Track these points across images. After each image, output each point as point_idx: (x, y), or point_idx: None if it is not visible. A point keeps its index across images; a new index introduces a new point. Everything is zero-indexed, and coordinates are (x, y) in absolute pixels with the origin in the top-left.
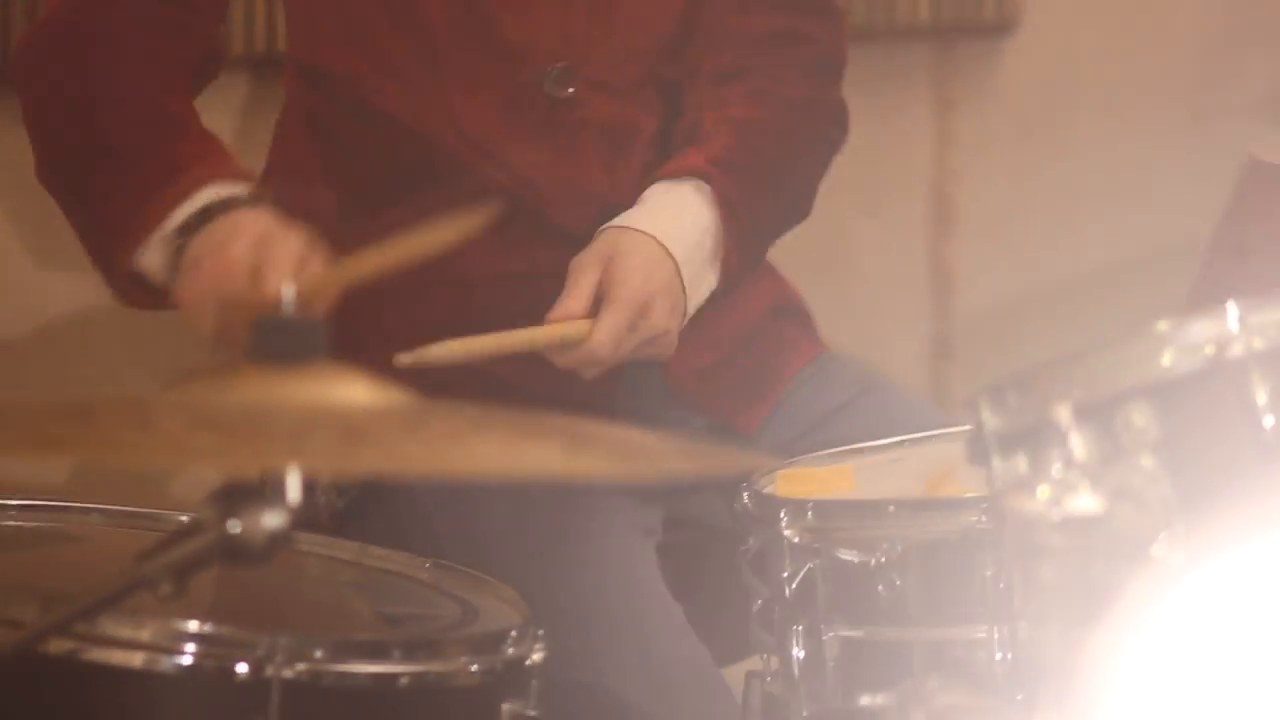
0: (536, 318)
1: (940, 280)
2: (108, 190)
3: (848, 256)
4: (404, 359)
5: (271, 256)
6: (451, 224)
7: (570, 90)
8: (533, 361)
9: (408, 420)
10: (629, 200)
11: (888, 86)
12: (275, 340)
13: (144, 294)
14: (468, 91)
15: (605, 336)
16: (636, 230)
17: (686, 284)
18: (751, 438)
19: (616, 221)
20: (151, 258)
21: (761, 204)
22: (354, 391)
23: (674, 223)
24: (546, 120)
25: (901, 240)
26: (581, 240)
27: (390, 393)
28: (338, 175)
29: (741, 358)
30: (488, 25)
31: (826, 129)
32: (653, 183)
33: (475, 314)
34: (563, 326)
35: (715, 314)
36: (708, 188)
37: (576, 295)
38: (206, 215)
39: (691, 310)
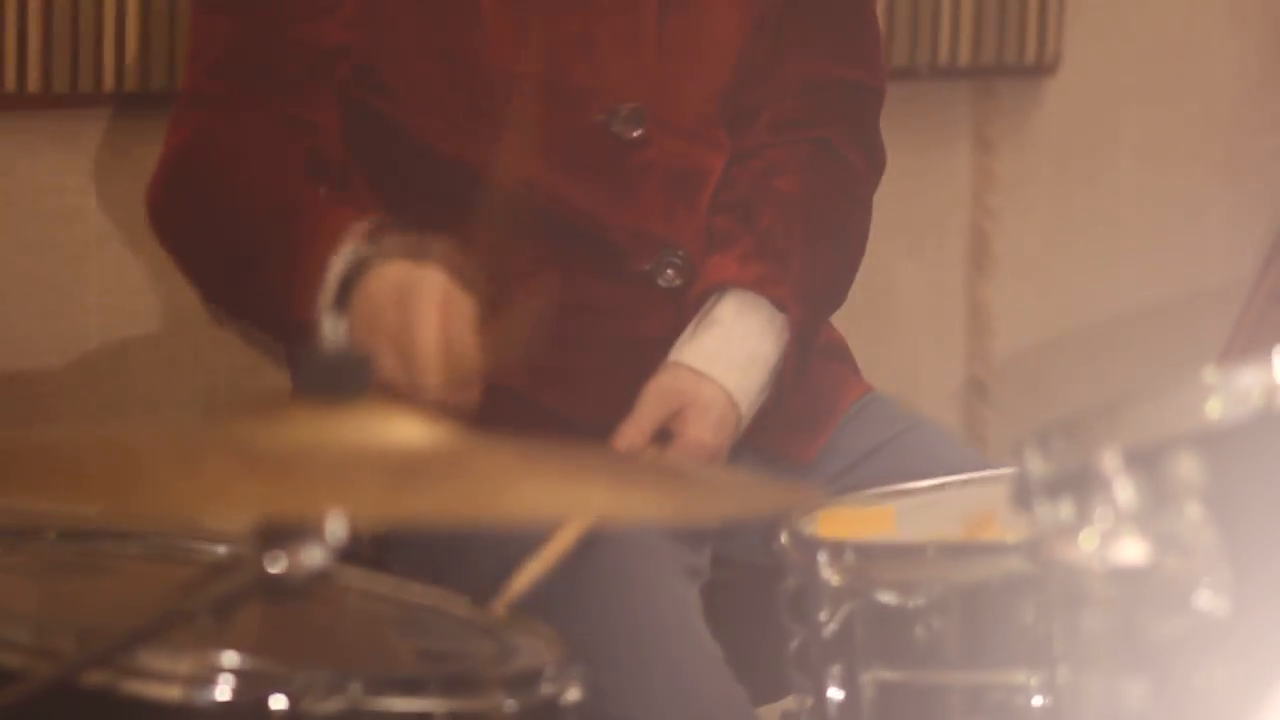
0: (588, 350)
1: (977, 320)
2: (265, 274)
3: (885, 295)
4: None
5: (417, 309)
6: None
7: (639, 132)
8: (585, 394)
9: (455, 460)
10: (687, 244)
11: (927, 126)
12: (321, 376)
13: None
14: (534, 129)
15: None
16: (711, 381)
17: (746, 415)
18: (806, 469)
19: (688, 358)
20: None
21: (823, 312)
22: (401, 429)
23: (748, 367)
24: (610, 163)
25: (939, 279)
26: (643, 279)
27: (438, 430)
28: (385, 204)
29: (795, 394)
30: (555, 68)
31: (872, 187)
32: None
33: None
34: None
35: None
36: (784, 320)
37: (641, 428)
38: (360, 268)
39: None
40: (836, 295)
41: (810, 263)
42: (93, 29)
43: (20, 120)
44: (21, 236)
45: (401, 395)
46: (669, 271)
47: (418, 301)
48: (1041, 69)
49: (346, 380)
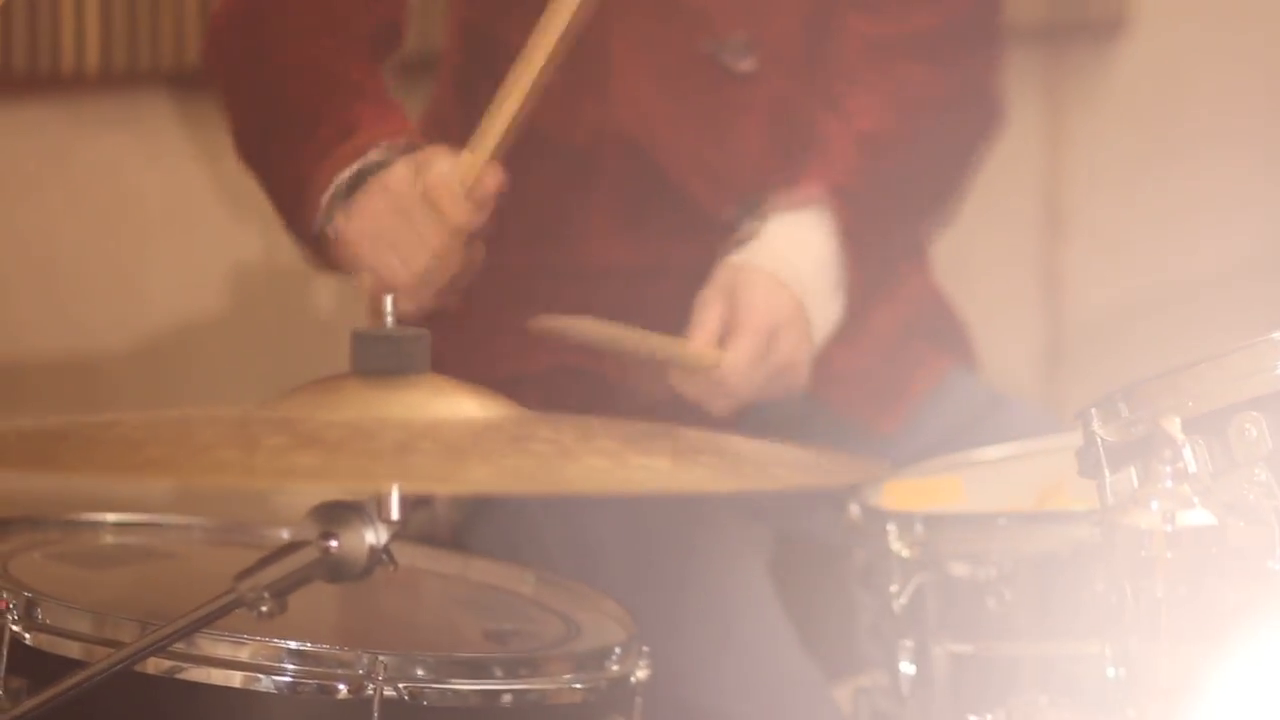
0: (663, 315)
1: (1052, 284)
2: (289, 154)
3: (959, 261)
4: (540, 323)
5: (431, 164)
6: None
7: (747, 63)
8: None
9: (514, 434)
10: (766, 190)
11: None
12: (378, 354)
13: (332, 260)
14: (632, 58)
15: (737, 363)
16: (755, 267)
17: (811, 315)
18: (888, 441)
19: (733, 258)
20: (326, 221)
21: (886, 225)
22: (458, 405)
23: (792, 257)
24: (711, 99)
25: (1012, 244)
26: (716, 231)
27: (496, 406)
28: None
29: (882, 364)
30: None
31: (970, 126)
32: (773, 211)
33: (600, 308)
34: (697, 346)
35: (855, 322)
36: (826, 217)
37: (702, 331)
38: (360, 177)
39: (819, 340)
40: (908, 216)
41: (861, 171)
42: (149, 6)
43: (79, 101)
44: (83, 219)
45: (390, 288)
46: (752, 217)
47: (434, 159)
48: (1114, 27)
49: (402, 357)
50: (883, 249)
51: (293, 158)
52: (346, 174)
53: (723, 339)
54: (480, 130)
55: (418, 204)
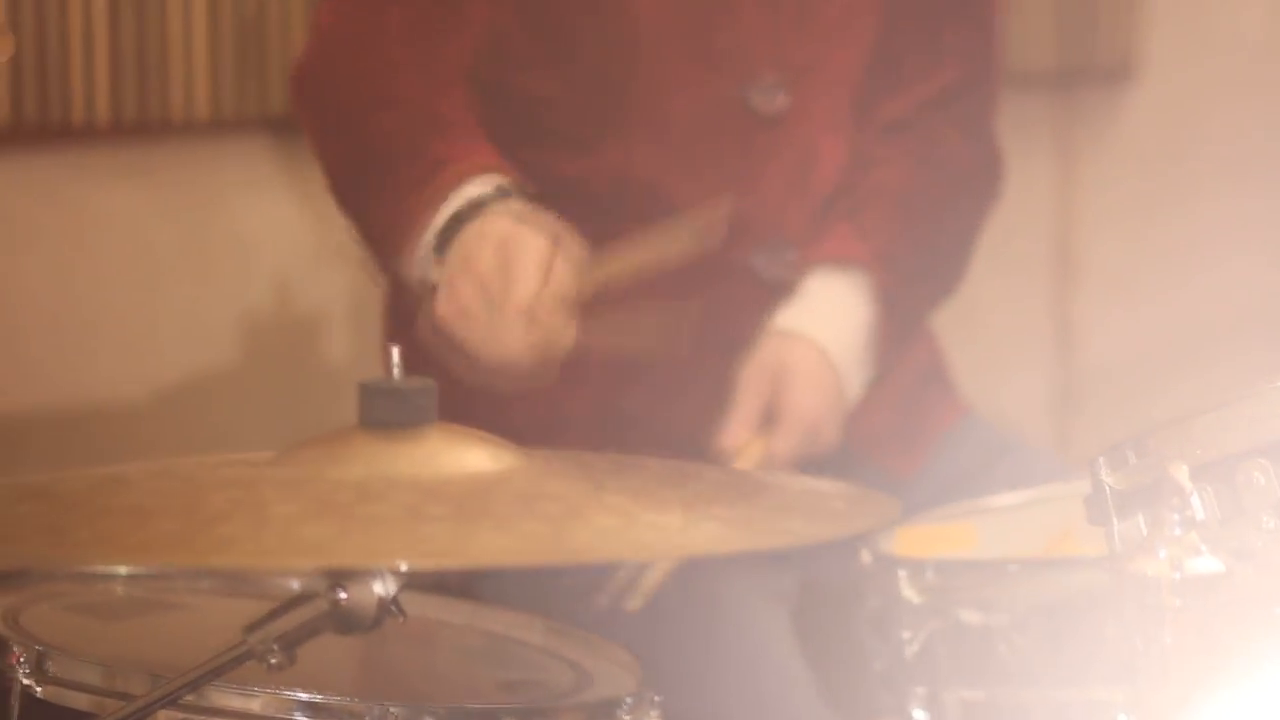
0: (687, 352)
1: (1063, 328)
2: (380, 193)
3: (970, 306)
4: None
5: (517, 263)
6: (687, 228)
7: (778, 104)
8: (671, 397)
9: (525, 490)
10: (795, 236)
11: (1008, 133)
12: (385, 406)
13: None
14: (656, 101)
15: (778, 455)
16: (802, 339)
17: (847, 385)
18: (905, 486)
19: (781, 323)
20: (425, 269)
21: (916, 287)
22: (466, 458)
23: (837, 324)
24: (738, 142)
25: (1024, 291)
26: (743, 272)
27: (504, 455)
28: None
29: (899, 410)
30: (698, 28)
31: (982, 188)
32: (813, 268)
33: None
34: (745, 461)
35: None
36: (868, 281)
37: (745, 417)
38: (458, 220)
39: (850, 404)
40: (935, 278)
41: (898, 235)
42: (159, 58)
43: (90, 152)
44: (96, 270)
45: (470, 348)
46: (775, 264)
47: (521, 255)
48: (1123, 72)
49: (411, 410)
50: (914, 311)
51: (383, 197)
52: (442, 218)
53: (764, 424)
54: (601, 263)
55: (507, 299)
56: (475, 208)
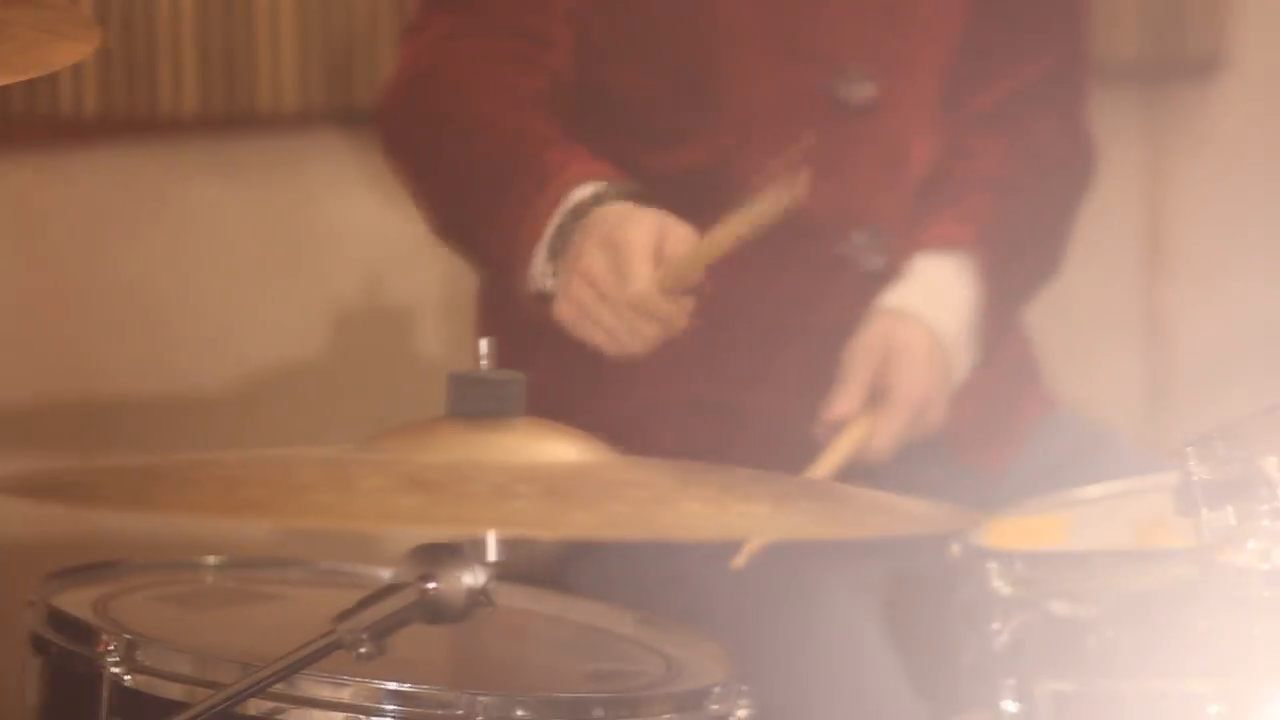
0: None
1: (1154, 323)
2: (490, 218)
3: (1059, 298)
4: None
5: (625, 259)
6: (777, 191)
7: (867, 94)
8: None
9: (612, 478)
10: (886, 225)
11: (1097, 123)
12: (474, 397)
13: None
14: (742, 92)
15: (888, 442)
16: (911, 318)
17: (954, 366)
18: (994, 480)
19: (890, 302)
20: (542, 280)
21: (1019, 272)
22: (555, 449)
23: (945, 306)
24: (828, 132)
25: (1114, 281)
26: (836, 263)
27: (592, 449)
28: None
29: (991, 403)
30: (781, 20)
31: (1076, 174)
32: (918, 250)
33: (724, 338)
34: (849, 437)
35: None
36: (972, 263)
37: (853, 392)
38: (566, 229)
39: (954, 388)
40: (1035, 262)
41: (999, 219)
42: (246, 51)
43: (177, 146)
44: (181, 265)
45: (589, 327)
46: (868, 251)
47: (627, 250)
48: (1211, 63)
49: (499, 400)
50: (1016, 294)
51: (494, 220)
52: (556, 221)
53: (872, 401)
54: (706, 242)
55: (620, 295)
56: (580, 214)
